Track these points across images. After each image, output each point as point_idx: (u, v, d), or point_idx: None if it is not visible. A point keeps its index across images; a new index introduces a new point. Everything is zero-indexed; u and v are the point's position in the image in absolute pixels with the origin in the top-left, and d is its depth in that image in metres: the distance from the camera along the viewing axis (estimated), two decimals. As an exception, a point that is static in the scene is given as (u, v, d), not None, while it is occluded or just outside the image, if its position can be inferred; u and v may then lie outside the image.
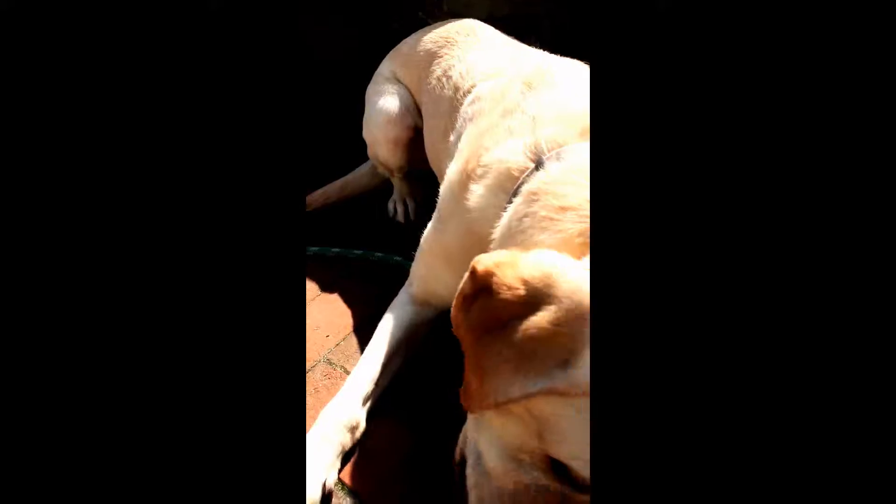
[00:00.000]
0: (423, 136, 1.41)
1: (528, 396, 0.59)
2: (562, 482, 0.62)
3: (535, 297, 0.60)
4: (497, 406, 0.61)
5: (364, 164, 1.64)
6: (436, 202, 1.06)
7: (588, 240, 0.68)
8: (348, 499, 0.89)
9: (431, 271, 1.06)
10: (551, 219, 0.73)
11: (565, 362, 0.57)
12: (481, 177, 0.91)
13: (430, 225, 1.07)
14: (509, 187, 0.85)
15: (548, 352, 0.58)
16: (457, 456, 0.80)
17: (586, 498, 0.62)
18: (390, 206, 1.57)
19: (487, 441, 0.68)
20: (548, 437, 0.61)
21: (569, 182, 0.75)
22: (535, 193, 0.78)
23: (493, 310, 0.62)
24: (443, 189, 1.03)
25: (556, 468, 0.62)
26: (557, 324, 0.58)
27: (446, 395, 0.80)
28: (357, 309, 1.27)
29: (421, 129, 1.42)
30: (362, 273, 1.36)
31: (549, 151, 0.83)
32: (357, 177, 1.64)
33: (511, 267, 0.63)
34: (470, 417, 0.75)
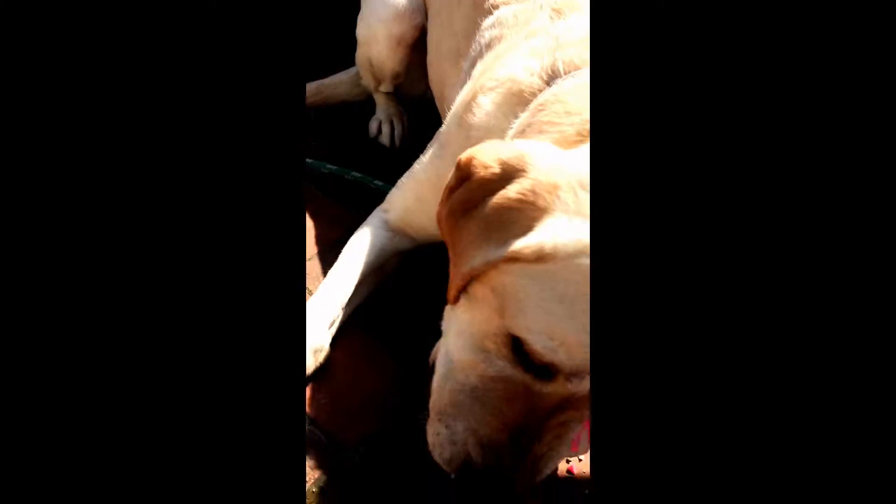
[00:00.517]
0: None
1: (489, 265, 0.61)
2: (524, 368, 0.62)
3: (508, 173, 0.63)
4: (464, 281, 0.64)
5: (345, 72, 1.50)
6: (427, 135, 0.99)
7: (584, 137, 0.69)
8: (307, 426, 0.85)
9: (417, 201, 1.00)
10: (553, 122, 0.73)
11: (526, 229, 0.59)
12: (491, 89, 0.86)
13: (426, 153, 1.00)
14: (518, 111, 0.81)
15: (511, 221, 0.61)
16: (431, 359, 0.79)
17: (549, 389, 0.62)
18: (373, 125, 1.44)
19: (455, 333, 0.68)
20: (507, 312, 0.61)
21: (580, 93, 0.74)
22: (542, 105, 0.76)
23: (470, 191, 0.65)
24: (448, 117, 0.96)
25: (518, 351, 0.62)
26: (524, 194, 0.61)
27: (420, 324, 0.78)
28: (325, 229, 1.19)
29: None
30: (335, 191, 1.27)
31: (565, 74, 0.80)
32: (335, 83, 1.49)
33: (490, 151, 0.66)
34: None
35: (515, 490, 0.63)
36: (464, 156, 0.67)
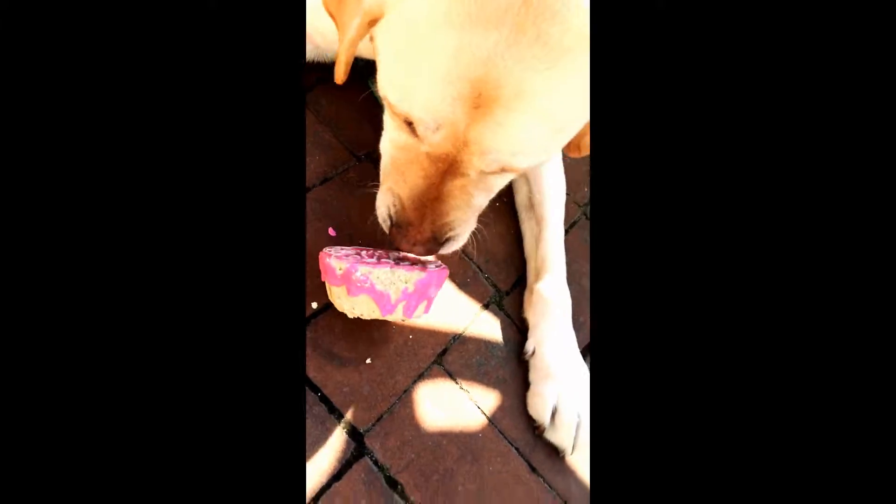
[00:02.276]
0: None
1: (359, 30, 0.69)
2: (409, 131, 0.70)
3: None
4: (347, 54, 0.72)
5: None
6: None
7: None
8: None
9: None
10: None
11: None
12: None
13: None
14: None
15: None
16: None
17: (425, 147, 0.69)
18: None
19: (385, 124, 0.78)
20: (380, 79, 0.69)
21: None
22: None
23: None
24: None
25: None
26: None
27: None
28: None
29: None
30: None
31: None
32: None
33: None
34: None
35: (418, 238, 0.75)
36: None
